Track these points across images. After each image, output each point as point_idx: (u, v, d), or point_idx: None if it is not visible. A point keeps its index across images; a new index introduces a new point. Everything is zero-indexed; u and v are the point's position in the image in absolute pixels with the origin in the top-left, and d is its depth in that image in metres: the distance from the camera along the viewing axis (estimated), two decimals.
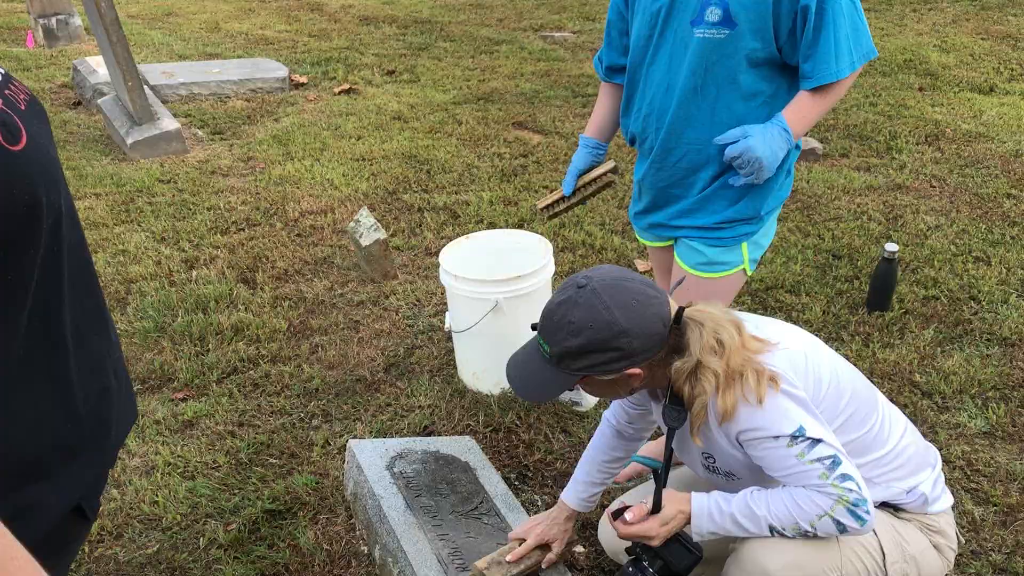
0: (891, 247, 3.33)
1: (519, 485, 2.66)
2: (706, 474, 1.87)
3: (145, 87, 5.81)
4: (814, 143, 5.28)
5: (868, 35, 2.14)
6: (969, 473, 2.64)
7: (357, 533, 2.48)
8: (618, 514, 1.77)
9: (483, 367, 3.05)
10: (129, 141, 5.49)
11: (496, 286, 2.88)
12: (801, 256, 3.96)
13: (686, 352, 1.66)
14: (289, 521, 2.54)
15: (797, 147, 2.34)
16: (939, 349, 3.25)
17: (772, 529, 1.66)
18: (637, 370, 1.66)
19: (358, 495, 2.47)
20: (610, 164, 2.49)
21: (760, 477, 1.72)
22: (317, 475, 2.71)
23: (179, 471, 2.75)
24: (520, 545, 2.12)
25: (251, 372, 3.25)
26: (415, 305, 3.70)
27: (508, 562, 2.13)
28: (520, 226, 4.32)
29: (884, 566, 1.75)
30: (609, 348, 1.63)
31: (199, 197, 4.84)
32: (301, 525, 2.51)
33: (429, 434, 2.87)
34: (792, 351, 1.70)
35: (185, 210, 4.68)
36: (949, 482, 2.61)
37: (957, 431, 2.82)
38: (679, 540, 1.75)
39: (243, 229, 4.47)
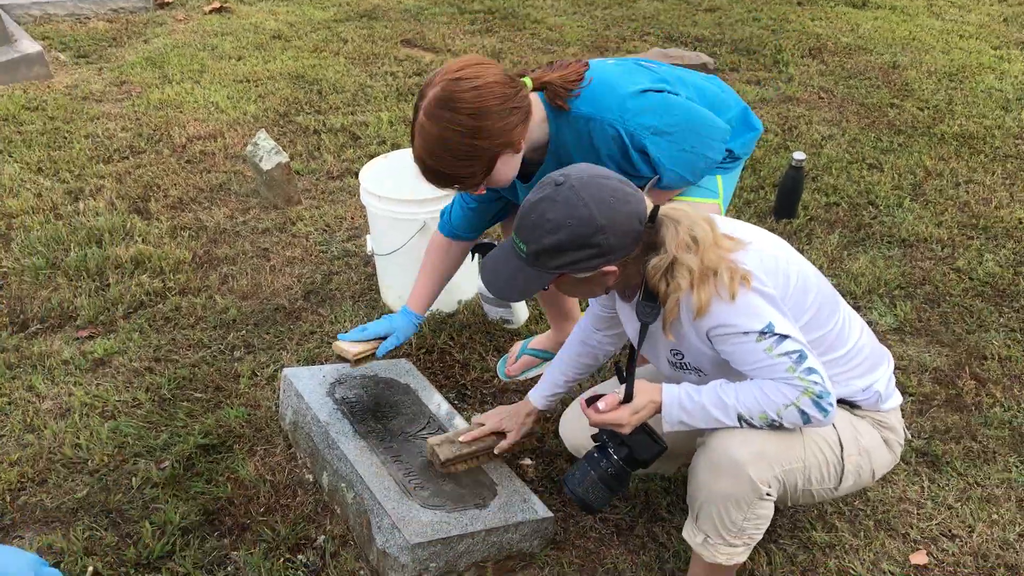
0: (798, 156, 3.43)
1: (459, 404, 2.65)
2: (672, 371, 1.90)
3: None
4: (705, 58, 5.34)
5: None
6: None
7: (300, 462, 2.42)
8: (591, 401, 1.79)
9: (408, 290, 2.99)
10: None
11: (423, 206, 2.81)
12: None
13: (661, 249, 1.67)
14: (225, 455, 2.45)
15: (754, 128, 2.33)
16: (845, 252, 3.39)
17: (740, 418, 1.70)
18: (612, 268, 1.68)
19: (299, 424, 2.40)
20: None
21: (726, 372, 1.76)
22: (248, 407, 2.62)
23: (98, 411, 2.60)
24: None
25: (160, 306, 3.09)
26: (325, 230, 3.59)
27: (460, 442, 2.22)
28: None
29: (842, 457, 1.83)
30: (586, 245, 1.63)
31: (73, 125, 4.51)
32: (239, 458, 2.43)
33: None
34: (762, 251, 1.73)
35: (60, 139, 4.35)
36: None
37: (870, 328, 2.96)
38: (645, 431, 1.79)
39: (127, 157, 4.20)
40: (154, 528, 2.20)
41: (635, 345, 1.88)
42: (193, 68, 5.31)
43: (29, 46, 5.19)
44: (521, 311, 3.01)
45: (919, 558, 2.18)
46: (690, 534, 1.83)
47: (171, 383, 2.71)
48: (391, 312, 3.02)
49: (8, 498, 2.30)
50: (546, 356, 2.78)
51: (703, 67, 5.28)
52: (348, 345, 2.31)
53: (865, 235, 3.51)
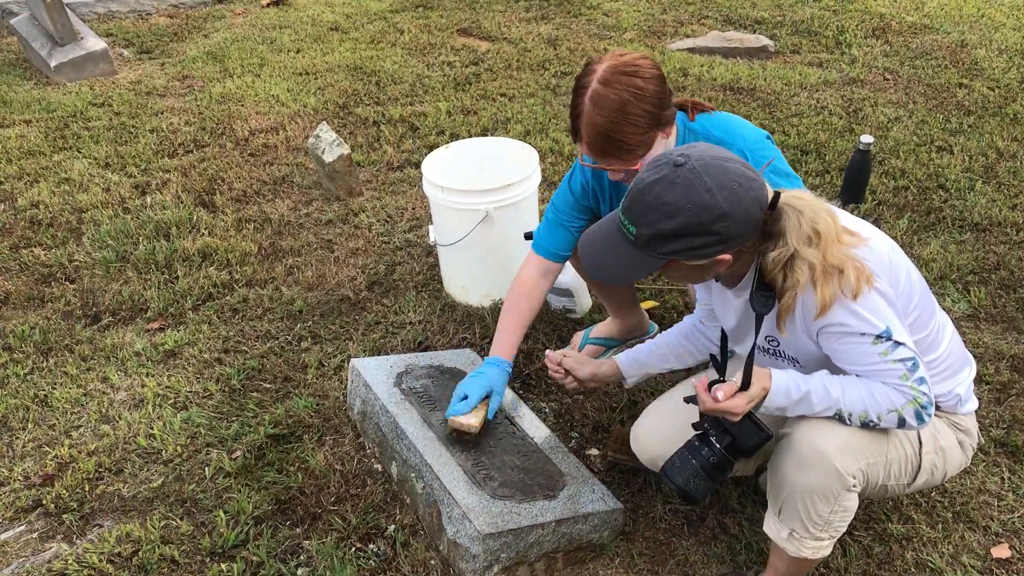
0: (866, 139, 3.35)
1: (523, 394, 2.64)
2: (764, 357, 1.84)
3: None
4: (765, 40, 5.25)
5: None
6: None
7: (368, 451, 2.44)
8: (709, 387, 1.72)
9: (472, 279, 3.00)
10: (52, 63, 5.16)
11: (485, 196, 2.80)
12: None
13: (780, 240, 1.60)
14: (295, 445, 2.48)
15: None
16: (915, 237, 3.31)
17: (839, 413, 1.65)
18: (727, 256, 1.60)
19: (367, 413, 2.42)
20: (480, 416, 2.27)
21: (824, 366, 1.72)
22: (316, 397, 2.64)
23: (170, 402, 2.65)
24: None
25: (227, 297, 3.14)
26: (387, 221, 3.60)
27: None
28: (483, 135, 4.22)
29: (920, 454, 1.78)
30: (705, 232, 1.55)
31: (138, 120, 4.60)
32: (308, 448, 2.46)
33: (425, 349, 2.82)
34: (878, 248, 1.67)
35: (126, 134, 4.44)
36: None
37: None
38: (750, 418, 1.72)
39: (191, 151, 4.26)
40: (228, 517, 2.24)
41: (728, 333, 1.85)
42: (253, 62, 5.37)
43: (95, 43, 5.29)
44: (584, 300, 2.99)
45: (1001, 551, 2.12)
46: (773, 529, 1.80)
47: (240, 374, 2.75)
48: (454, 302, 3.04)
49: (87, 487, 2.35)
50: (609, 343, 2.77)
51: (763, 49, 5.19)
52: (466, 419, 2.23)
53: (936, 219, 3.42)
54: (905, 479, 1.80)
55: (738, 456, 1.75)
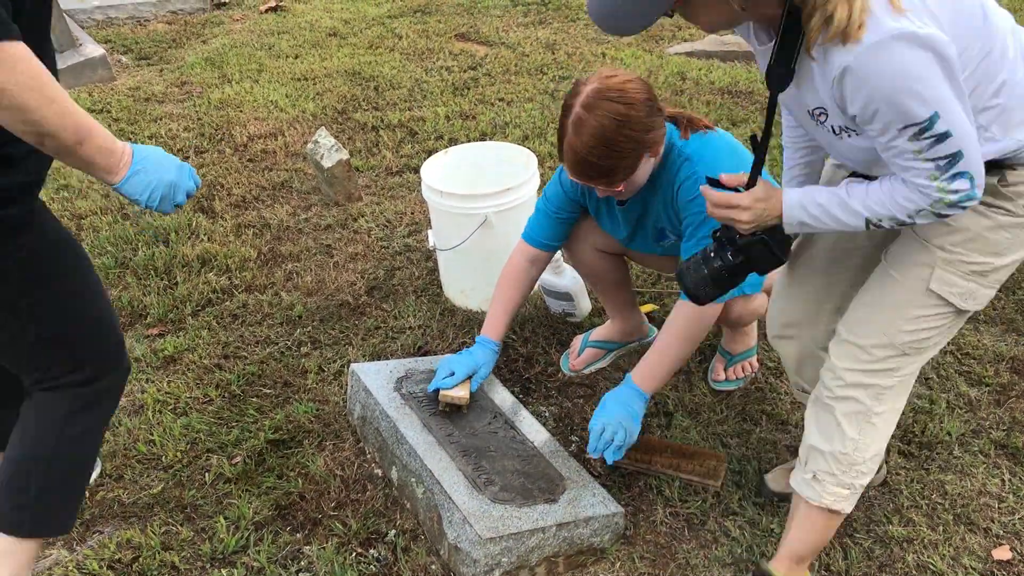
0: None
1: (523, 398, 2.64)
2: (818, 131, 1.66)
3: None
4: None
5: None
6: (960, 357, 2.72)
7: (368, 456, 2.44)
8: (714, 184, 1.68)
9: (471, 284, 3.00)
10: None
11: (485, 200, 2.80)
12: (768, 156, 3.96)
13: None
14: (295, 450, 2.48)
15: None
16: None
17: (868, 222, 1.56)
18: None
19: (367, 418, 2.42)
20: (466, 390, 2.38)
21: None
22: (316, 402, 2.64)
23: (170, 408, 2.65)
24: None
25: (227, 303, 3.14)
26: (386, 226, 3.61)
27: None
28: (482, 140, 4.23)
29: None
30: None
31: (137, 126, 4.60)
32: (308, 453, 2.46)
33: (424, 354, 2.83)
34: None
35: (124, 139, 4.42)
36: (941, 366, 2.69)
37: None
38: (766, 243, 1.68)
39: (190, 157, 4.27)
40: (228, 523, 2.24)
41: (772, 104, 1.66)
42: (251, 67, 5.38)
43: (93, 50, 5.30)
44: (583, 304, 2.99)
45: (1002, 553, 2.12)
46: (798, 477, 1.86)
47: (240, 379, 2.75)
48: (454, 306, 3.04)
49: (87, 493, 2.35)
50: (609, 347, 2.77)
51: None
52: (455, 392, 2.35)
53: None
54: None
55: (749, 273, 1.75)
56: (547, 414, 2.59)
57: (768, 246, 1.69)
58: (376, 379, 2.47)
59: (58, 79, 1.44)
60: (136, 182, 1.59)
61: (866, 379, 1.75)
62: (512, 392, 2.58)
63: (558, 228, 2.46)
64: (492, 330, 2.46)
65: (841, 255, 1.94)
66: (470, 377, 2.40)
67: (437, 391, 2.37)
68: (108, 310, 1.88)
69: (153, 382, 2.75)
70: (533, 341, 2.86)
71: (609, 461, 2.19)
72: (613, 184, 2.06)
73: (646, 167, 2.09)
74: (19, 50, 1.33)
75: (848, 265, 1.94)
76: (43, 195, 3.76)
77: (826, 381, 1.81)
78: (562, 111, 2.04)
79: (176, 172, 1.67)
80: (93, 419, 1.88)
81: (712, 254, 1.76)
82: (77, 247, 1.82)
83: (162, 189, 1.63)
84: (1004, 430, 2.46)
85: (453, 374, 2.37)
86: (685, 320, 2.21)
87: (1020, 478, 2.31)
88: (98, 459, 2.36)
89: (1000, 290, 2.99)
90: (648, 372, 2.25)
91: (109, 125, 4.59)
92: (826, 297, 1.99)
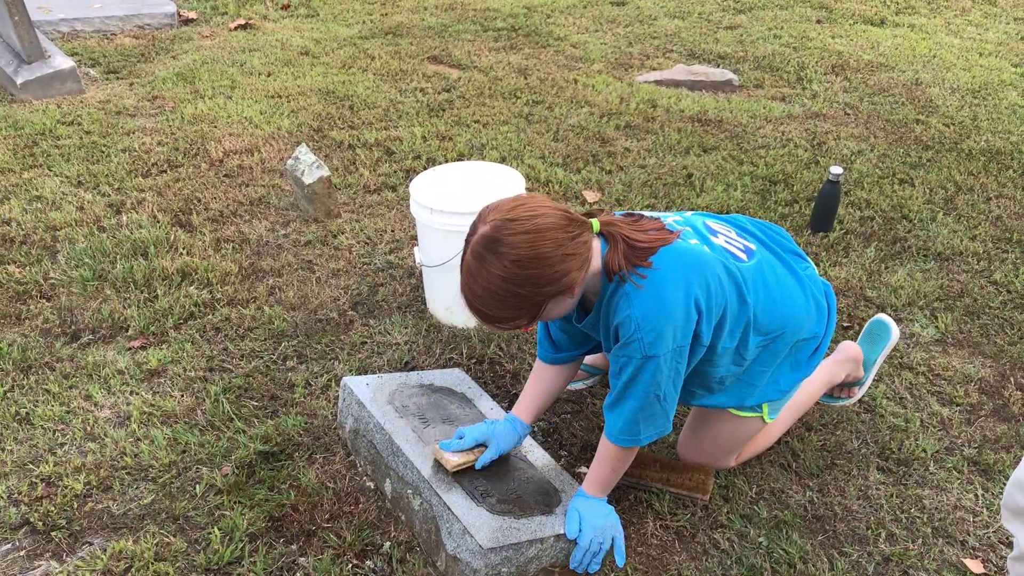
0: (836, 170, 3.47)
1: None
2: None
3: None
4: (729, 74, 5.40)
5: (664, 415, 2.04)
6: (931, 378, 2.82)
7: (360, 469, 2.45)
8: None
9: (457, 301, 3.01)
10: (19, 81, 5.10)
11: (474, 217, 2.84)
12: (740, 183, 4.08)
13: None
14: (285, 463, 2.48)
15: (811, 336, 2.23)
16: (883, 265, 3.43)
17: None
18: None
19: (360, 431, 2.43)
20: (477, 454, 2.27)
21: None
22: (305, 415, 2.65)
23: (156, 420, 2.63)
24: None
25: (209, 316, 3.13)
26: (367, 243, 3.63)
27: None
28: (459, 160, 4.27)
29: None
30: None
31: (110, 139, 4.56)
32: (299, 466, 2.46)
33: (412, 369, 2.85)
34: None
35: (97, 153, 4.40)
36: (914, 386, 2.78)
37: (913, 340, 3.00)
38: None
39: (165, 171, 4.24)
40: (222, 534, 2.23)
41: None
42: (224, 84, 5.37)
43: (62, 62, 5.25)
44: None
45: (977, 566, 2.20)
46: None
47: (226, 392, 2.74)
48: (439, 323, 3.07)
49: (76, 504, 2.33)
50: (595, 372, 2.81)
51: (728, 83, 5.34)
52: (450, 455, 2.22)
53: (901, 248, 3.55)
54: None
55: None
56: (535, 429, 2.63)
57: None
58: (368, 392, 2.49)
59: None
60: None
61: None
62: (501, 407, 2.61)
63: (560, 336, 2.28)
64: (523, 410, 2.33)
65: None
66: (479, 446, 2.26)
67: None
68: None
69: (137, 394, 2.74)
70: (520, 358, 2.90)
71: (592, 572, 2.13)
72: (514, 328, 1.94)
73: (563, 304, 1.91)
74: None
75: None
76: (16, 207, 3.74)
77: None
78: (464, 242, 1.90)
79: None
80: None
81: None
82: None
83: None
84: (976, 447, 2.56)
85: (462, 439, 2.24)
86: (612, 458, 2.13)
87: (992, 493, 2.41)
88: None
89: (966, 316, 3.11)
90: (595, 479, 2.17)
91: (81, 138, 4.55)
92: None
